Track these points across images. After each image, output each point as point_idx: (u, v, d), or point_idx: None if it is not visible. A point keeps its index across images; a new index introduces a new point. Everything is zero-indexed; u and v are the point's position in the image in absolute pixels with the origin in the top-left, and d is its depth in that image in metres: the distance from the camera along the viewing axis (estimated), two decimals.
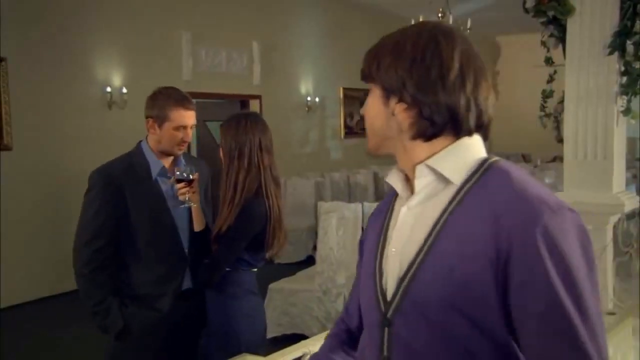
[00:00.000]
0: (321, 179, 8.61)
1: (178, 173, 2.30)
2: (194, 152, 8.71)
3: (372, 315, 1.11)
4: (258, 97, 8.89)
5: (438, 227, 1.01)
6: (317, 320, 4.52)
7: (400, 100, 1.04)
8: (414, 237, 1.05)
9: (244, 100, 8.91)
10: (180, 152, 2.42)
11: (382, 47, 1.08)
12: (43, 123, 6.33)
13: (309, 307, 4.57)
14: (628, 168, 3.88)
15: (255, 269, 2.42)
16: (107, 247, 2.32)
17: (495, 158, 1.07)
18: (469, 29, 9.89)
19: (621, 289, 3.32)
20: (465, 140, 1.06)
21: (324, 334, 1.89)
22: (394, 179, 1.13)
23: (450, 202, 1.02)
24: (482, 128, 1.08)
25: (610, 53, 2.99)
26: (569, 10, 3.04)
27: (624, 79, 3.05)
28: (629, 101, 3.07)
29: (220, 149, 2.34)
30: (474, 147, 1.07)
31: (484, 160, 1.06)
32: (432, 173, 1.05)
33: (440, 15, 9.71)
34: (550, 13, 3.11)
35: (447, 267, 0.98)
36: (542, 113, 3.71)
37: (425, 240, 1.02)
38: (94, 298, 2.33)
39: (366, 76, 1.10)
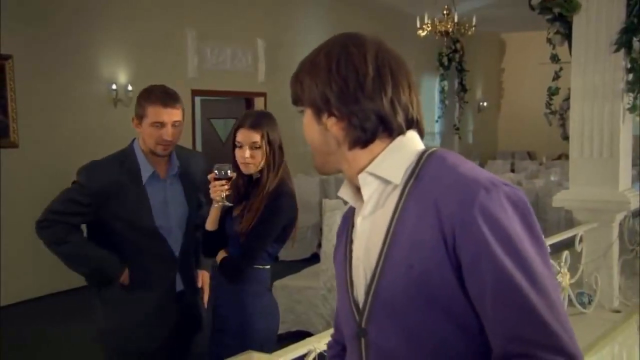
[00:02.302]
0: (326, 176, 8.61)
1: (217, 172, 2.28)
2: (198, 150, 8.72)
3: (349, 328, 1.12)
4: (263, 94, 8.90)
5: (391, 229, 1.03)
6: (322, 317, 4.52)
7: (330, 114, 1.06)
8: (373, 245, 1.06)
9: (248, 98, 8.92)
10: (163, 152, 2.34)
11: (301, 69, 1.11)
12: (49, 120, 6.35)
13: (314, 304, 4.58)
14: (634, 165, 3.87)
15: (269, 266, 2.43)
16: (67, 229, 2.35)
17: (433, 148, 1.08)
18: (474, 26, 9.88)
19: (627, 287, 3.32)
20: (400, 139, 1.07)
21: (329, 331, 1.89)
22: (345, 193, 1.14)
23: (398, 203, 1.04)
24: (414, 124, 1.10)
25: (617, 50, 2.98)
26: (574, 7, 3.03)
27: (630, 76, 3.04)
28: (635, 98, 3.06)
29: (265, 148, 2.33)
30: (409, 144, 1.08)
31: (422, 153, 1.07)
32: (375, 178, 1.07)
33: (445, 12, 9.70)
34: (556, 10, 3.10)
35: (405, 266, 1.00)
36: (548, 110, 3.70)
37: (383, 245, 1.04)
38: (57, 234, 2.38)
39: (295, 100, 1.13)
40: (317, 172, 9.03)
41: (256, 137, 2.32)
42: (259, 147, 2.32)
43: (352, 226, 1.16)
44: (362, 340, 1.08)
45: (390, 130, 1.07)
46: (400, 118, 1.07)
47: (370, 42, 1.08)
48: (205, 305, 2.60)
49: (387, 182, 1.06)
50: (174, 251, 2.40)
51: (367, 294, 1.06)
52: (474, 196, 0.95)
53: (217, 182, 2.28)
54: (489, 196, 0.95)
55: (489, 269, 0.93)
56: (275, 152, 2.35)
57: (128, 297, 2.37)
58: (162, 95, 2.30)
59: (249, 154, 2.32)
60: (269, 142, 2.34)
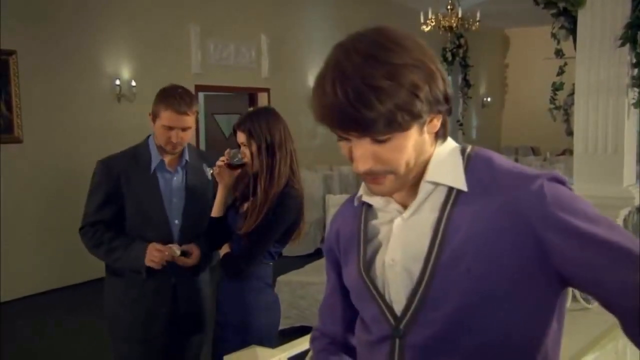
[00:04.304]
0: (330, 172, 8.61)
1: (229, 157, 2.34)
2: (202, 145, 8.73)
3: (379, 330, 1.08)
4: (266, 90, 8.89)
5: (440, 232, 0.99)
6: None
7: (438, 112, 0.99)
8: (415, 245, 1.01)
9: (252, 94, 8.91)
10: (171, 151, 2.44)
11: (407, 79, 0.91)
12: (53, 115, 6.36)
13: (318, 299, 4.57)
14: (639, 161, 3.86)
15: (271, 263, 2.43)
16: (104, 224, 2.43)
17: (469, 147, 1.06)
18: (478, 21, 9.85)
19: None
20: (445, 140, 1.06)
21: None
22: (372, 196, 1.08)
23: (444, 203, 1.01)
24: None
25: (622, 45, 2.97)
26: (579, 2, 3.01)
27: (636, 71, 3.03)
28: None
29: (252, 147, 2.30)
30: (450, 141, 1.06)
31: (462, 151, 1.04)
32: (433, 185, 1.02)
33: (449, 7, 9.68)
34: (561, 4, 3.09)
35: (462, 268, 0.97)
36: (552, 106, 3.69)
37: (430, 247, 0.99)
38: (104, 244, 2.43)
39: (393, 124, 0.91)
40: (319, 168, 8.84)
41: (242, 137, 2.32)
42: (247, 146, 2.32)
43: (362, 227, 1.11)
44: (397, 340, 1.04)
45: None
46: None
47: None
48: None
49: (437, 184, 1.02)
50: (173, 241, 2.45)
51: (412, 296, 1.01)
52: (541, 190, 0.95)
53: (220, 158, 2.36)
54: (551, 185, 0.96)
55: (591, 247, 0.92)
56: (262, 151, 2.29)
57: (131, 283, 2.45)
58: (177, 102, 2.35)
59: (242, 153, 2.34)
60: (254, 141, 2.30)
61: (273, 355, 1.95)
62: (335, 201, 4.75)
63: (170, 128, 2.37)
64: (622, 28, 2.95)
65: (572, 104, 3.43)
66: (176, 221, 2.47)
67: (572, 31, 3.18)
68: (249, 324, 2.34)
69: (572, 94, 3.45)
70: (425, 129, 0.98)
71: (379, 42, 0.92)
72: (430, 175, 1.02)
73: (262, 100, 8.80)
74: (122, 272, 2.47)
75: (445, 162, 1.02)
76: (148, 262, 2.33)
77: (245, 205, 2.38)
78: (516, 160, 12.07)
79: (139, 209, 2.43)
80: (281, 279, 4.73)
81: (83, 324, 5.07)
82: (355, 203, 1.14)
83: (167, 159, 2.49)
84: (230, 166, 2.34)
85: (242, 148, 2.33)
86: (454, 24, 9.77)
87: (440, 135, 1.03)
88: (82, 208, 2.50)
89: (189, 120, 2.41)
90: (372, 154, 0.95)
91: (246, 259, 2.33)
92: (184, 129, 2.39)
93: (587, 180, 3.17)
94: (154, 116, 2.41)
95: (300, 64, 9.54)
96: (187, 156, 2.51)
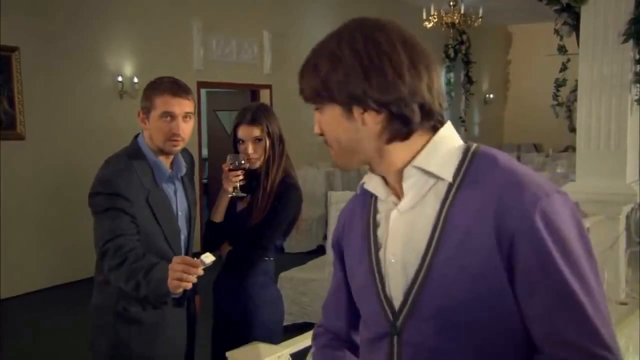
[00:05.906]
0: (332, 168, 8.60)
1: (231, 162, 2.28)
2: (204, 142, 8.73)
3: (378, 326, 1.08)
4: (268, 86, 8.88)
5: (438, 228, 0.99)
6: None
7: (367, 108, 1.00)
8: (414, 242, 1.02)
9: (254, 90, 8.91)
10: (174, 149, 2.13)
11: (318, 62, 1.04)
12: (55, 112, 6.36)
13: (320, 296, 4.58)
14: None
15: (273, 258, 2.45)
16: (129, 237, 2.03)
17: (475, 144, 1.05)
18: (480, 17, 9.83)
19: (634, 280, 3.31)
20: (443, 132, 1.04)
21: None
22: (374, 185, 1.09)
23: (444, 200, 1.00)
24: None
25: (625, 41, 2.96)
26: None
27: (639, 67, 3.02)
28: None
29: (266, 141, 2.34)
30: (452, 136, 1.05)
31: (466, 149, 1.04)
32: (422, 173, 1.03)
33: (451, 4, 9.66)
34: (564, 1, 3.08)
35: (455, 267, 0.97)
36: (555, 102, 3.69)
37: (428, 244, 1.00)
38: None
39: (313, 97, 1.06)
40: (321, 164, 8.85)
41: (257, 132, 2.34)
42: (261, 141, 2.34)
43: (372, 219, 1.12)
44: (396, 338, 1.04)
45: (430, 120, 1.03)
46: (437, 106, 1.03)
47: (392, 29, 1.02)
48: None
49: (434, 177, 1.02)
50: (182, 253, 2.22)
51: (408, 293, 1.02)
52: (536, 201, 0.94)
53: (231, 173, 2.29)
54: (549, 201, 0.94)
55: (547, 275, 0.92)
56: (275, 144, 2.37)
57: (150, 313, 2.15)
58: (172, 85, 2.12)
59: (252, 149, 2.34)
60: (269, 135, 2.36)
61: (275, 351, 1.95)
62: (338, 198, 4.74)
63: (171, 116, 2.07)
64: (626, 24, 2.95)
65: (575, 100, 3.42)
66: (182, 236, 2.24)
67: (575, 27, 3.17)
68: (254, 319, 2.35)
69: (574, 90, 3.45)
70: (355, 117, 1.02)
71: (339, 33, 1.05)
72: (419, 161, 1.03)
73: (264, 96, 8.79)
74: (139, 318, 2.12)
75: (438, 152, 1.03)
76: (171, 283, 1.81)
77: (245, 201, 2.39)
78: (518, 157, 12.05)
79: (158, 227, 2.12)
80: (283, 275, 4.73)
81: (83, 322, 5.07)
82: (358, 190, 1.16)
83: (167, 163, 2.18)
84: (236, 170, 2.32)
85: (252, 143, 2.34)
86: (457, 21, 9.75)
87: (400, 135, 1.02)
88: (83, 206, 2.16)
89: (189, 105, 2.12)
90: (317, 120, 1.09)
91: (259, 249, 2.35)
92: (185, 117, 2.11)
93: (590, 177, 3.17)
94: (146, 111, 2.11)
95: (302, 60, 9.49)
96: (183, 163, 2.24)
